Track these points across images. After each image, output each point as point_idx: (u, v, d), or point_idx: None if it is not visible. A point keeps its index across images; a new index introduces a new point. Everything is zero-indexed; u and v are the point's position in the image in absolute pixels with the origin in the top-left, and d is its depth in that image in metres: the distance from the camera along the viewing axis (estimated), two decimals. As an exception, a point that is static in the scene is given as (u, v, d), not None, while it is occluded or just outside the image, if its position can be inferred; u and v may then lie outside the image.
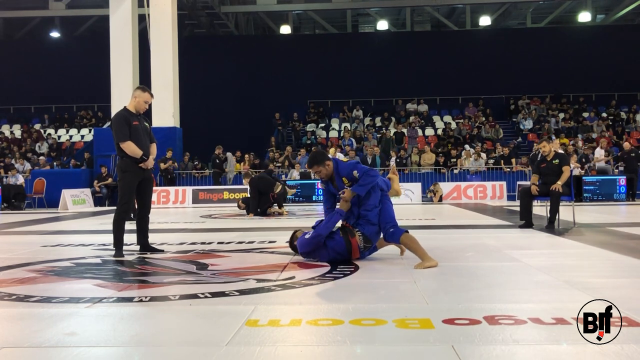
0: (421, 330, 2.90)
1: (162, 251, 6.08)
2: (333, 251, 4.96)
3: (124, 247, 5.95)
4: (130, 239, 6.24)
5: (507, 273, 4.64)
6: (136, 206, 6.40)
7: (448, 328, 2.92)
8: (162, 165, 17.62)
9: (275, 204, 11.80)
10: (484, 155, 18.45)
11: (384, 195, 5.18)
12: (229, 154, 18.95)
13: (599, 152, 17.46)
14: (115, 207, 6.10)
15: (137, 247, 6.17)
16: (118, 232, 5.83)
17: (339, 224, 5.14)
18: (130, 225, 6.16)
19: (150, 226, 6.40)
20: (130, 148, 5.72)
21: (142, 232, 6.11)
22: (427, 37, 27.81)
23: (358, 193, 4.99)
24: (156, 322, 3.24)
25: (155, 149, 6.12)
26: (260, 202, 11.45)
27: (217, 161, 18.65)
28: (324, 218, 5.30)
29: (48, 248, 6.60)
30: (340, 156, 16.11)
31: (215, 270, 4.83)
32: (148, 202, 6.12)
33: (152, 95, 5.99)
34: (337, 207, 5.11)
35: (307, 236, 5.06)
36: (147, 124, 6.07)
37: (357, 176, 5.03)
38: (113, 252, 5.87)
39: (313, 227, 5.12)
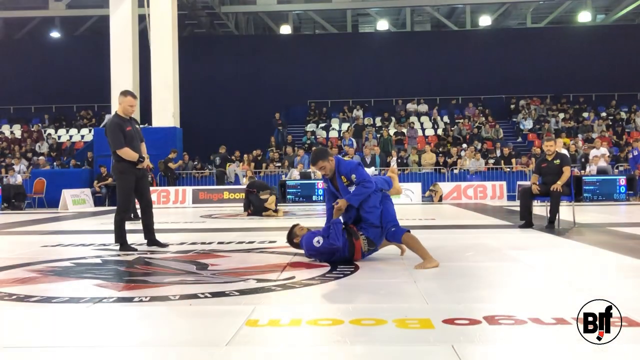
0: (421, 330, 2.90)
1: (167, 245, 6.30)
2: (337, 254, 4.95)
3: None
4: (131, 239, 6.28)
5: (507, 273, 4.64)
6: (137, 205, 6.52)
7: (448, 328, 2.92)
8: (172, 165, 17.65)
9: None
10: (481, 158, 18.42)
11: (385, 196, 5.18)
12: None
13: (595, 153, 17.38)
14: (111, 207, 6.27)
15: (143, 243, 6.32)
16: (120, 229, 6.06)
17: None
18: (131, 225, 6.25)
19: (155, 225, 6.46)
20: (127, 154, 6.02)
21: (148, 227, 6.32)
22: (427, 37, 27.80)
23: (352, 203, 5.00)
24: (156, 322, 3.24)
25: (145, 147, 6.38)
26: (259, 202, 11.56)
27: (220, 161, 18.59)
28: (326, 219, 5.30)
29: (48, 248, 6.59)
30: (357, 157, 16.07)
31: (215, 270, 4.83)
32: (148, 196, 6.39)
33: (134, 97, 6.23)
34: (328, 213, 5.15)
35: (315, 240, 4.98)
36: (137, 126, 6.37)
37: (354, 180, 5.02)
38: (115, 251, 5.99)
39: (322, 235, 5.02)
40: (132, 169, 6.06)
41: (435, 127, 22.91)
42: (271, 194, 11.73)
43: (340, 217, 5.14)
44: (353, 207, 5.01)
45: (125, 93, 6.23)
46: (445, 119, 23.71)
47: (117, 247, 6.14)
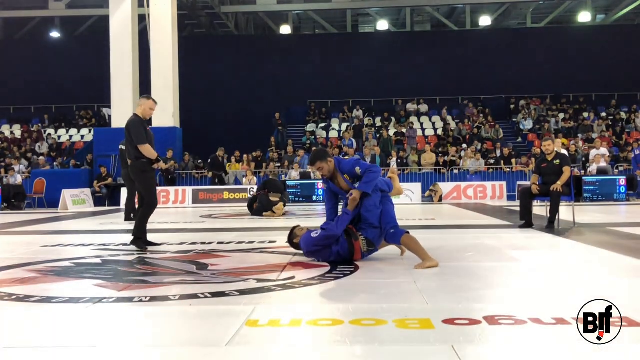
0: (421, 330, 2.90)
1: (160, 245, 6.34)
2: (336, 254, 4.95)
3: (125, 247, 6.15)
4: (129, 238, 6.30)
5: (507, 273, 4.64)
6: (136, 206, 6.57)
7: (448, 328, 2.92)
8: (163, 166, 17.58)
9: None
10: (481, 158, 18.42)
11: (385, 196, 5.17)
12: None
13: (595, 153, 17.37)
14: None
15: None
16: (144, 225, 6.26)
17: None
18: (130, 225, 6.27)
19: (151, 226, 6.49)
20: (149, 150, 6.23)
21: None
22: (427, 37, 27.80)
23: (365, 191, 4.94)
24: (156, 322, 3.24)
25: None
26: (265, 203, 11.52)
27: (217, 162, 18.56)
28: (326, 219, 5.30)
29: (48, 248, 6.59)
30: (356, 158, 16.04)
31: (215, 270, 4.83)
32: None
33: (155, 102, 6.49)
34: (344, 207, 5.09)
35: (314, 234, 5.01)
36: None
37: (359, 173, 5.01)
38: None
39: (322, 228, 5.07)
40: (151, 168, 6.30)
41: (445, 126, 22.72)
42: (281, 199, 11.70)
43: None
44: (367, 194, 4.97)
45: (147, 97, 6.53)
46: (447, 119, 23.69)
47: (127, 243, 6.19)
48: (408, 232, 4.98)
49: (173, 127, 18.49)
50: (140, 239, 6.21)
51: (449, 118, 23.26)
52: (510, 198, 16.46)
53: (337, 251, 4.94)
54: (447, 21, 27.44)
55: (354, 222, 5.10)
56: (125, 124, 6.39)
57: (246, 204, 12.57)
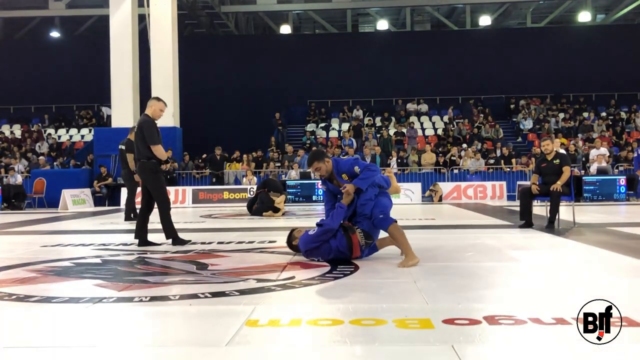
0: (421, 330, 2.90)
1: (160, 244, 6.36)
2: (335, 249, 4.95)
3: (125, 247, 6.10)
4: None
5: (507, 273, 4.64)
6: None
7: (448, 328, 2.92)
8: (163, 166, 17.60)
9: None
10: (481, 158, 18.43)
11: (382, 192, 5.19)
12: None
13: (595, 153, 17.36)
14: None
15: (136, 243, 6.38)
16: (170, 224, 6.38)
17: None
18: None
19: (151, 226, 6.50)
20: (161, 151, 6.35)
21: (143, 228, 6.43)
22: (427, 37, 27.80)
23: (359, 186, 5.00)
24: (156, 322, 3.24)
25: None
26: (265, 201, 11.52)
27: (215, 161, 18.57)
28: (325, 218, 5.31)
29: (48, 248, 6.59)
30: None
31: (215, 270, 4.83)
32: (154, 202, 6.55)
33: (165, 104, 6.57)
34: (339, 202, 5.11)
35: (311, 232, 5.02)
36: None
37: (358, 172, 5.05)
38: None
39: (318, 225, 5.08)
40: (160, 167, 6.40)
41: (447, 126, 22.69)
42: (281, 193, 11.78)
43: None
44: (361, 190, 5.01)
45: (158, 98, 6.61)
46: (446, 118, 23.70)
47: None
48: (396, 222, 4.99)
49: (173, 127, 18.47)
50: (176, 238, 6.37)
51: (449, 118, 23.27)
52: (510, 198, 16.46)
53: (336, 247, 4.94)
54: (447, 21, 27.45)
55: (350, 218, 5.11)
56: (138, 123, 6.43)
57: (246, 205, 12.57)
